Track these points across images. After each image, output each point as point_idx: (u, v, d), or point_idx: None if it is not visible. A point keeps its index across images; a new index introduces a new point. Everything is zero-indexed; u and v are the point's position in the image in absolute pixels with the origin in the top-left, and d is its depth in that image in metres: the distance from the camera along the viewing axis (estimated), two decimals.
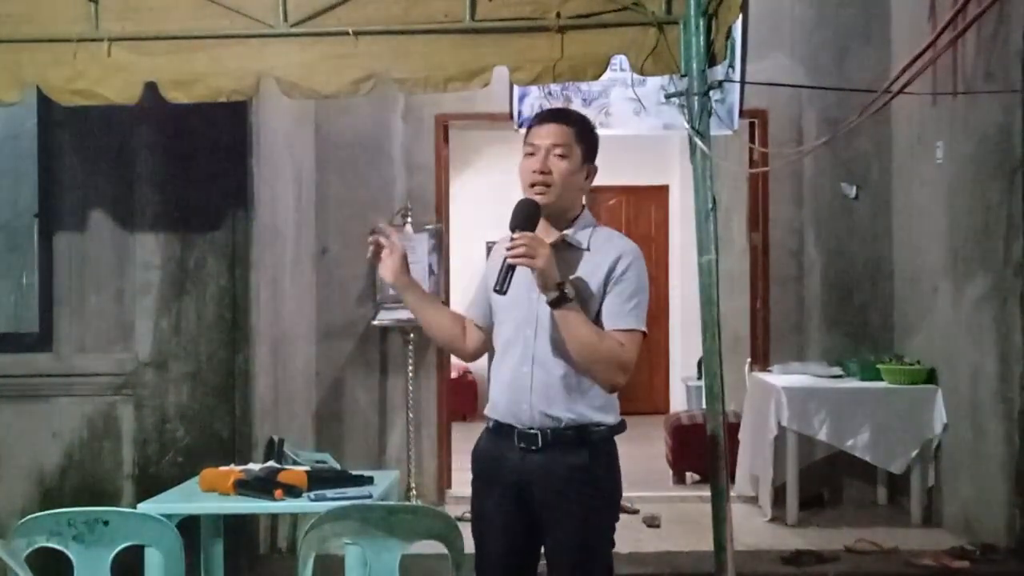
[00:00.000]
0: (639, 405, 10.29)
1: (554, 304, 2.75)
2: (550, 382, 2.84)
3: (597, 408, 2.86)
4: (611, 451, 2.92)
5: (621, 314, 2.82)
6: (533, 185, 2.85)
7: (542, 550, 2.95)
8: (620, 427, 2.93)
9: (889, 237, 6.68)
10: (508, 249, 2.75)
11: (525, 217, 2.80)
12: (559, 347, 2.82)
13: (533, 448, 2.85)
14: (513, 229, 2.78)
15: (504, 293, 2.79)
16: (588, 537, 2.86)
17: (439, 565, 3.05)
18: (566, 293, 2.74)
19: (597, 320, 2.83)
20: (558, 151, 2.85)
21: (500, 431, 2.92)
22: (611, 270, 2.83)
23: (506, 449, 2.90)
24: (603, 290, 2.83)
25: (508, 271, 2.76)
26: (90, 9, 3.49)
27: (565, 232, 2.90)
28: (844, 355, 6.53)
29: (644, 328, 2.85)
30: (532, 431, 2.85)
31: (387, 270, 2.97)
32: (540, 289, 2.76)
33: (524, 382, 2.86)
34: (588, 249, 2.89)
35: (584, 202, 2.97)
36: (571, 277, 2.82)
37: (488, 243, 10.39)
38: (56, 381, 4.97)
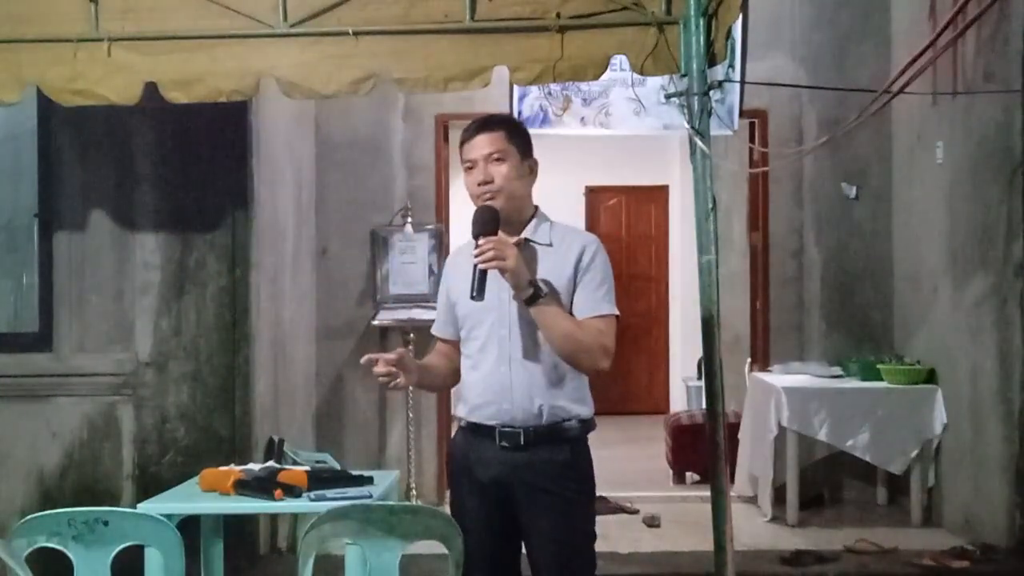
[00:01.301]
0: (639, 405, 10.31)
1: (529, 302, 2.81)
2: (530, 379, 2.89)
3: (575, 400, 2.93)
4: (587, 447, 2.99)
5: (595, 301, 2.90)
6: (481, 196, 2.91)
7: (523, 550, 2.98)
8: (593, 422, 3.00)
9: (889, 237, 6.68)
10: (476, 256, 2.80)
11: (486, 222, 2.87)
12: (535, 344, 2.88)
13: (515, 446, 2.89)
14: (477, 236, 2.84)
15: (481, 299, 2.84)
16: (573, 532, 2.91)
17: (439, 565, 3.04)
18: (539, 290, 2.81)
19: (571, 311, 2.89)
20: (494, 157, 2.91)
21: (477, 431, 2.96)
22: (579, 261, 2.91)
23: (485, 449, 2.93)
24: (573, 281, 2.90)
25: (481, 277, 2.82)
26: (90, 9, 3.48)
27: (525, 233, 2.95)
28: (844, 355, 6.53)
29: (617, 311, 2.93)
30: (514, 430, 2.89)
31: (406, 382, 2.96)
32: (513, 289, 2.83)
33: (504, 381, 2.90)
34: (551, 245, 2.95)
35: (535, 202, 3.03)
36: (540, 275, 2.88)
37: None
38: (56, 381, 4.97)
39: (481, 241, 2.81)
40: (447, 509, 3.14)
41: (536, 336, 2.87)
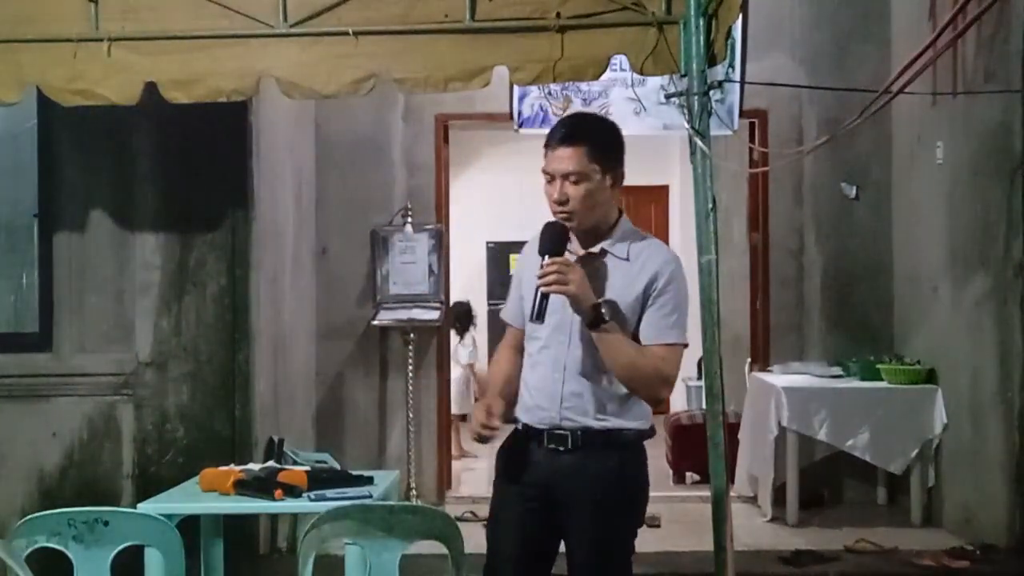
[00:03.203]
0: None
1: (591, 326, 2.75)
2: (580, 391, 2.84)
3: (627, 417, 2.85)
4: (640, 456, 2.91)
5: (662, 328, 2.80)
6: (557, 214, 2.84)
7: (559, 553, 2.94)
8: (650, 432, 2.92)
9: (889, 237, 6.68)
10: (540, 277, 2.74)
11: (554, 241, 2.80)
12: (591, 357, 2.82)
13: (563, 449, 2.84)
14: (542, 255, 2.78)
15: (541, 322, 2.79)
16: (608, 542, 2.85)
17: (439, 565, 3.04)
18: (603, 315, 2.73)
19: (636, 332, 2.81)
20: (572, 178, 2.80)
21: (529, 433, 2.91)
22: (651, 283, 2.80)
23: (534, 451, 2.89)
24: (642, 302, 2.81)
25: (542, 299, 2.76)
26: (90, 9, 3.49)
27: (604, 244, 2.87)
28: (844, 355, 6.53)
29: (685, 341, 2.84)
30: (562, 432, 2.84)
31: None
32: (576, 313, 2.76)
33: (555, 389, 2.85)
34: (628, 259, 2.85)
35: (621, 207, 2.94)
36: (609, 289, 2.80)
37: (488, 243, 10.41)
38: (56, 381, 4.97)
39: (546, 262, 2.74)
40: (447, 509, 3.14)
41: (594, 349, 2.79)
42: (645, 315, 2.80)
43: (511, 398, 2.98)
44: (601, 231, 2.88)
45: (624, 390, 2.83)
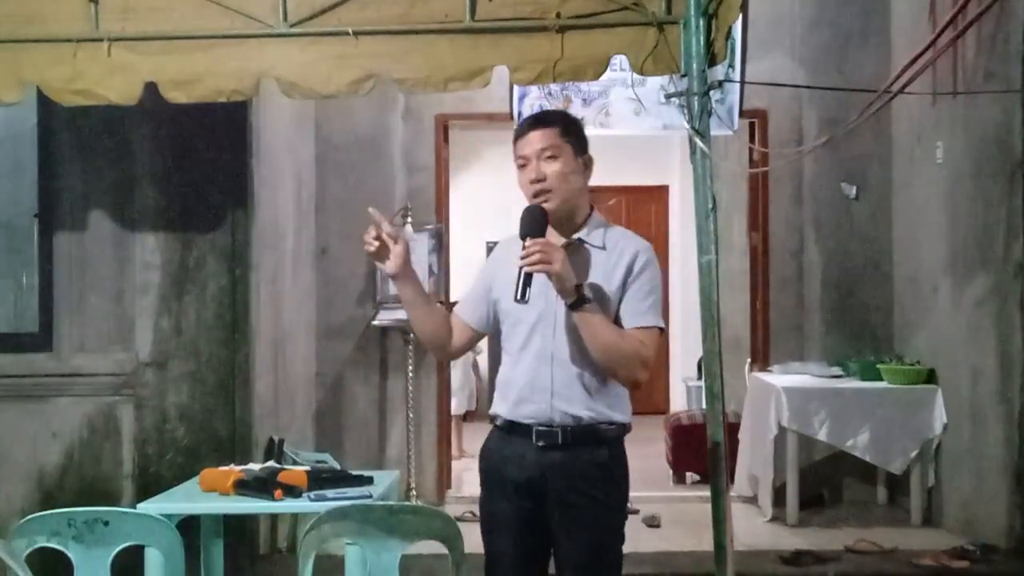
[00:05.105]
0: (639, 405, 10.12)
1: (574, 307, 2.77)
2: (569, 381, 2.85)
3: (614, 407, 2.89)
4: (623, 450, 2.95)
5: (640, 312, 2.84)
6: (536, 195, 2.86)
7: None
8: (629, 427, 2.96)
9: (889, 237, 6.68)
10: (522, 258, 2.74)
11: (534, 223, 2.82)
12: (577, 346, 2.83)
13: (552, 445, 2.85)
14: (524, 237, 2.78)
15: (525, 302, 2.78)
16: (601, 535, 2.87)
17: (439, 565, 3.05)
18: (585, 295, 2.76)
19: (616, 318, 2.84)
20: (547, 154, 2.86)
21: (513, 430, 2.91)
22: (629, 268, 2.85)
23: (521, 448, 2.88)
24: (622, 289, 2.85)
25: (526, 279, 2.76)
26: (90, 9, 3.49)
27: (579, 234, 2.90)
28: (844, 355, 6.53)
29: (662, 324, 2.88)
30: (552, 428, 2.85)
31: (392, 263, 2.95)
32: (559, 293, 2.77)
33: (543, 382, 2.86)
34: (604, 248, 2.89)
35: (591, 203, 2.98)
36: (590, 278, 2.83)
37: (488, 243, 10.41)
38: (56, 381, 4.97)
39: (528, 243, 2.75)
40: (447, 509, 3.14)
41: (578, 338, 2.81)
42: (623, 300, 2.85)
43: (425, 302, 2.98)
44: (575, 223, 2.92)
45: (611, 379, 2.86)
